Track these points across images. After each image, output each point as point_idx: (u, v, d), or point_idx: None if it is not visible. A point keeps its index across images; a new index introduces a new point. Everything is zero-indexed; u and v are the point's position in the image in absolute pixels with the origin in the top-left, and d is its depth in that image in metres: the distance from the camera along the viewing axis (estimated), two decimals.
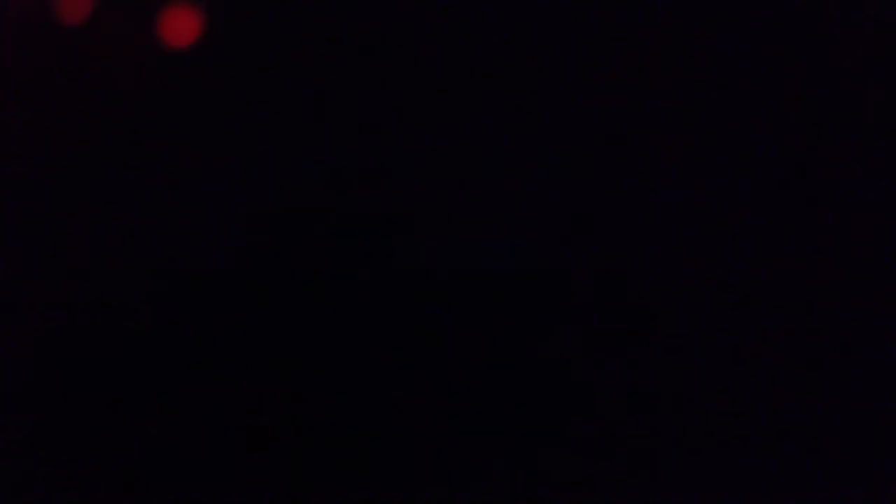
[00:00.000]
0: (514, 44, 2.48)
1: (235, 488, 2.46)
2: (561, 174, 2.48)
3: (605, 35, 2.46)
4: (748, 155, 2.45)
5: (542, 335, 2.47)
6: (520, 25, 2.48)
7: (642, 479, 2.44)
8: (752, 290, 2.45)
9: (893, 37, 2.42)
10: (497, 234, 2.49)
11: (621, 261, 2.47)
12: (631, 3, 2.46)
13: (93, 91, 2.52)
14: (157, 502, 2.45)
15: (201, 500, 2.45)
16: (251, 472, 2.47)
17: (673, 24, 2.45)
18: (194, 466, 2.46)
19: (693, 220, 2.46)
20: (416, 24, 2.49)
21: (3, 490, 2.44)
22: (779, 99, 2.44)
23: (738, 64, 2.44)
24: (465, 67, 2.48)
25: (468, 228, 2.49)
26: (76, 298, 2.49)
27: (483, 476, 2.45)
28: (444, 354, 2.47)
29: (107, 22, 2.50)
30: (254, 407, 2.48)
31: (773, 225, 2.45)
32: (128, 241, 2.50)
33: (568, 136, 2.48)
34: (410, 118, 2.49)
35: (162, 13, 2.51)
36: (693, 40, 2.45)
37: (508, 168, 2.49)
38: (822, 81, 2.43)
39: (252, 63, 2.51)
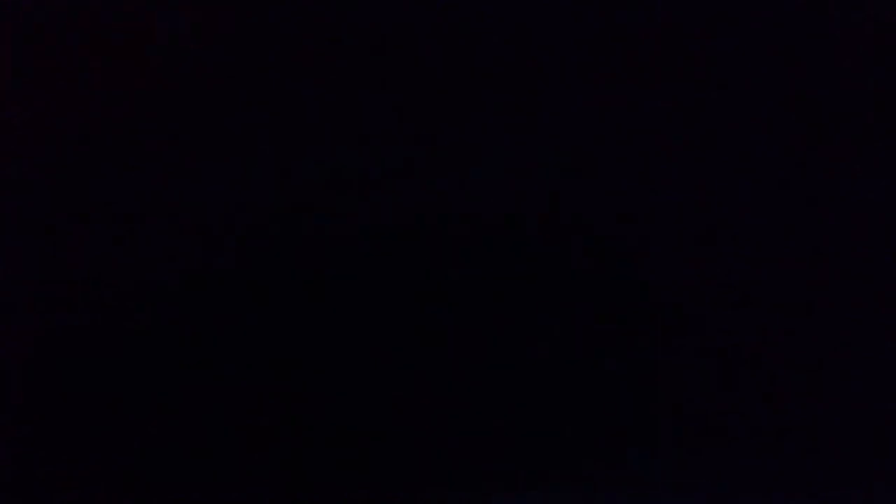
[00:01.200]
0: (514, 44, 2.48)
1: (235, 488, 2.45)
2: (561, 174, 2.48)
3: (605, 35, 2.46)
4: (748, 155, 2.45)
5: (542, 337, 2.47)
6: (520, 25, 2.48)
7: (640, 475, 2.44)
8: (752, 290, 2.45)
9: (893, 37, 2.42)
10: (497, 233, 2.48)
11: (620, 261, 2.47)
12: (631, 3, 2.46)
13: (93, 91, 2.51)
14: (157, 502, 2.45)
15: (201, 501, 2.45)
16: (251, 472, 2.46)
17: (673, 24, 2.45)
18: (194, 466, 2.46)
19: (693, 220, 2.46)
20: (416, 24, 2.49)
21: (2, 490, 2.44)
22: (779, 99, 2.44)
23: (738, 64, 2.44)
24: (465, 67, 2.48)
25: (468, 228, 2.49)
26: (76, 298, 2.49)
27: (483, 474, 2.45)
28: (443, 356, 2.47)
29: (107, 21, 2.50)
30: (254, 407, 2.48)
31: (773, 225, 2.45)
32: (128, 241, 2.50)
33: (568, 135, 2.48)
34: (410, 118, 2.49)
35: (162, 13, 2.51)
36: (693, 40, 2.45)
37: (508, 168, 2.49)
38: (822, 81, 2.43)
39: (252, 63, 2.51)
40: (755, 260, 2.45)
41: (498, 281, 2.47)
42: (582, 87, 2.47)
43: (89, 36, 2.50)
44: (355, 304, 2.49)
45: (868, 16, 2.42)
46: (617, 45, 2.46)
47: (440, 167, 2.49)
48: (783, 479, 2.42)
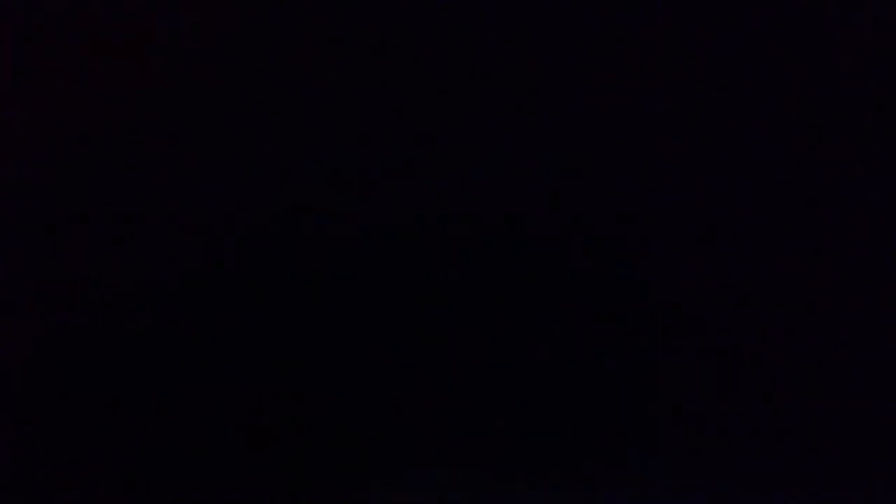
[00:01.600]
0: (514, 44, 2.48)
1: (236, 488, 2.46)
2: (561, 174, 2.48)
3: (605, 35, 2.46)
4: (748, 155, 2.45)
5: (542, 337, 2.47)
6: (520, 25, 2.48)
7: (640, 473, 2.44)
8: (752, 290, 2.45)
9: (893, 37, 2.42)
10: (497, 233, 2.49)
11: (621, 261, 2.47)
12: (631, 3, 2.46)
13: (93, 91, 2.51)
14: (157, 502, 2.45)
15: (201, 501, 2.45)
16: (251, 472, 2.47)
17: (673, 24, 2.45)
18: (194, 466, 2.46)
19: (693, 220, 2.46)
20: (416, 24, 2.49)
21: (2, 490, 2.45)
22: (779, 99, 2.44)
23: (739, 64, 2.44)
24: (465, 67, 2.48)
25: (468, 228, 2.49)
26: (76, 298, 2.49)
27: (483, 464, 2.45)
28: (443, 356, 2.47)
29: (107, 21, 2.50)
30: (254, 407, 2.48)
31: (773, 225, 2.45)
32: (128, 241, 2.50)
33: (568, 135, 2.48)
34: (410, 118, 2.49)
35: (162, 13, 2.51)
36: (693, 40, 2.45)
37: (508, 168, 2.49)
38: (822, 81, 2.43)
39: (252, 63, 2.51)
40: (755, 260, 2.45)
41: (498, 281, 2.47)
42: (582, 87, 2.47)
43: (89, 36, 2.50)
44: (355, 303, 2.49)
45: (868, 16, 2.42)
46: (617, 45, 2.46)
47: (440, 167, 2.49)
48: (783, 479, 2.42)
